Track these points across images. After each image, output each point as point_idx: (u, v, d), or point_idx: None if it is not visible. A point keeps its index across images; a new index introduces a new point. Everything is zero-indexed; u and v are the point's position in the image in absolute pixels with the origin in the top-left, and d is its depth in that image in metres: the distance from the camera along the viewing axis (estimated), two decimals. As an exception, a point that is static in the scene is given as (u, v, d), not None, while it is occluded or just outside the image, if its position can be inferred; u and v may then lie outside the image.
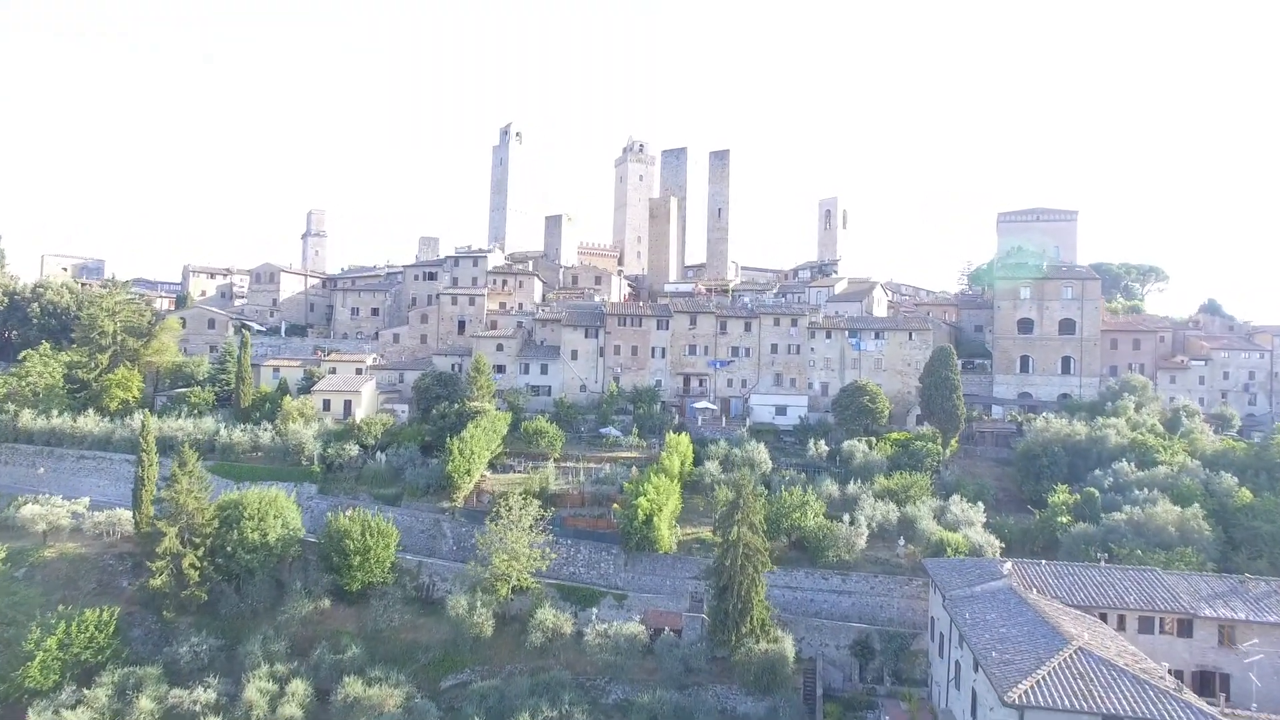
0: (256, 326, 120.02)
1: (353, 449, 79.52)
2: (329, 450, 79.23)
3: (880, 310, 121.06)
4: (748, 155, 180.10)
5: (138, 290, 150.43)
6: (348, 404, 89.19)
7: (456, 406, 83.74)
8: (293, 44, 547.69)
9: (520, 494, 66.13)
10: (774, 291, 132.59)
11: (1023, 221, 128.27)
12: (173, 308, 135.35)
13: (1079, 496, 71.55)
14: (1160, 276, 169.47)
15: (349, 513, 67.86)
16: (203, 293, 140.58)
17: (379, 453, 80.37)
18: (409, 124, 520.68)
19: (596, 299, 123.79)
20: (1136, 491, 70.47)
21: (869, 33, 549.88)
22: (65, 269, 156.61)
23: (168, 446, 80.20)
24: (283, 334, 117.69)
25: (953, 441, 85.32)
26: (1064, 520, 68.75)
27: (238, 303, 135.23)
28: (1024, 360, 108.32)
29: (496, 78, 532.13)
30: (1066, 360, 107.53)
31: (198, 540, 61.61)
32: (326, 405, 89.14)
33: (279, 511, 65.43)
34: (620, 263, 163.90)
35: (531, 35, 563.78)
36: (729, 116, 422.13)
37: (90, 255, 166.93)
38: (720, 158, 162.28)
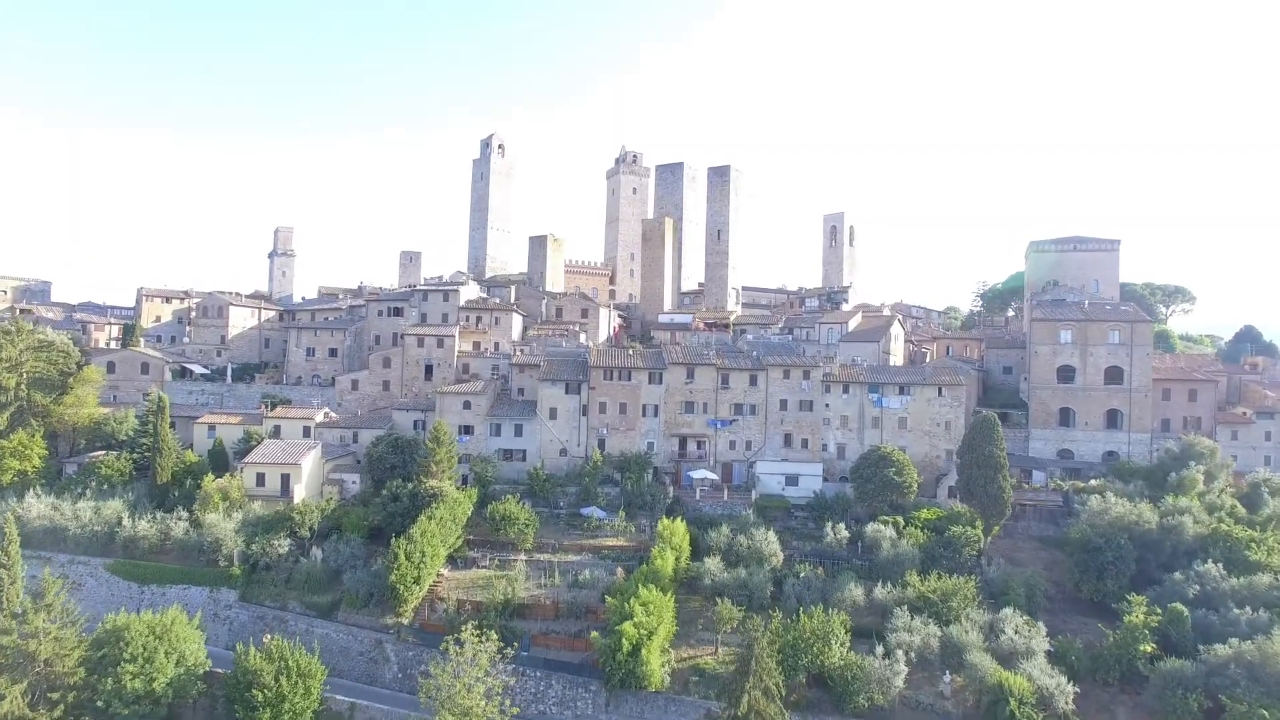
0: (199, 369, 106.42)
1: (283, 545, 66.02)
2: (253, 547, 65.84)
3: (898, 349, 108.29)
4: (749, 171, 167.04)
5: (82, 317, 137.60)
6: (285, 479, 75.70)
7: (411, 486, 70.60)
8: (282, 48, 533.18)
9: (474, 628, 52.72)
10: (779, 326, 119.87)
11: (1057, 251, 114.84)
12: (119, 337, 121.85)
13: (1161, 615, 58.60)
14: (1187, 297, 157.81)
15: (266, 640, 54.71)
16: (157, 318, 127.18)
17: (315, 547, 67.06)
18: (395, 136, 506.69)
19: (583, 337, 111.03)
20: (1235, 610, 57.79)
21: (872, 40, 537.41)
22: (5, 292, 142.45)
23: (59, 539, 67.20)
24: (229, 378, 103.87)
25: (995, 528, 72.51)
26: (1147, 649, 56.01)
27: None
28: (1064, 413, 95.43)
29: (487, 86, 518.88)
30: (1113, 414, 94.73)
31: (56, 695, 48.35)
32: (261, 480, 75.58)
33: (174, 644, 52.20)
34: (612, 281, 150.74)
35: (526, 42, 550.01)
36: (726, 128, 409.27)
37: (35, 276, 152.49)
38: (720, 174, 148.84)
